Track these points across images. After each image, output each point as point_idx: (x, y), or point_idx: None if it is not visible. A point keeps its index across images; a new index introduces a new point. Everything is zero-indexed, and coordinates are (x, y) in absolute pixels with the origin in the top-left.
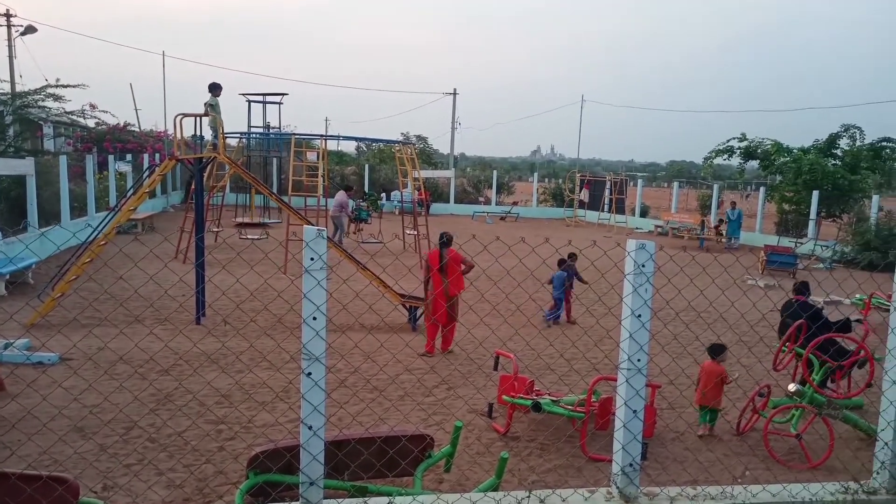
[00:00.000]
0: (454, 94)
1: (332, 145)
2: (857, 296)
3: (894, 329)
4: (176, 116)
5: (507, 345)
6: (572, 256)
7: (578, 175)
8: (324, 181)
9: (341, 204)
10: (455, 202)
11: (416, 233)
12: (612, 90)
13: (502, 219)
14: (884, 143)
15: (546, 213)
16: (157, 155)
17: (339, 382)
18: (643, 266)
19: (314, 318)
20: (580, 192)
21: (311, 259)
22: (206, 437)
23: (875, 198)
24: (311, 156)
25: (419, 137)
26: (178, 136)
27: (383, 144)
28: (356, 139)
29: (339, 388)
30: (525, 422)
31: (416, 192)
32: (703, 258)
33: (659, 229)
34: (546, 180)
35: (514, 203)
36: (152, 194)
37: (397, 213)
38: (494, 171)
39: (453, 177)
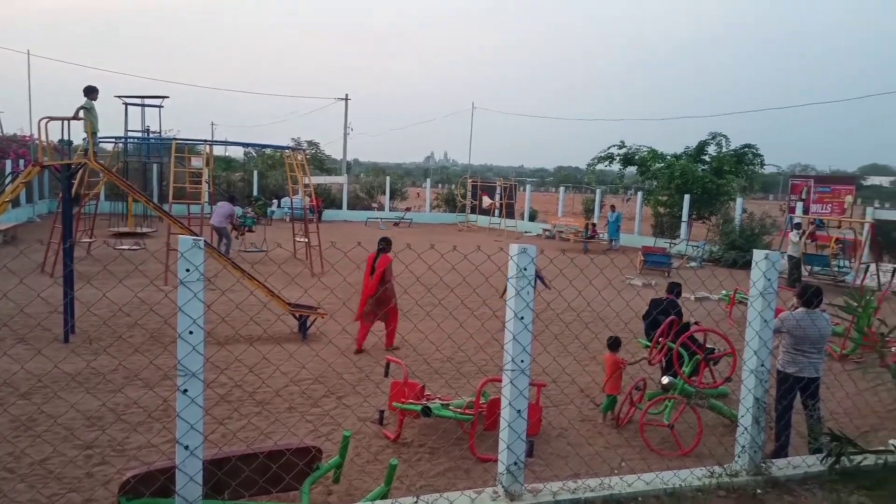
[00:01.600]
0: (346, 99)
1: (219, 151)
2: (723, 291)
3: (752, 322)
4: (41, 120)
5: (399, 350)
6: None
7: (470, 181)
8: (208, 188)
9: (227, 214)
10: (348, 208)
11: (306, 240)
12: (503, 98)
13: (396, 224)
14: (746, 149)
15: (439, 219)
16: (22, 161)
17: (219, 398)
18: (525, 269)
19: (190, 333)
20: (482, 200)
21: (187, 270)
22: (70, 463)
23: (739, 200)
24: (195, 162)
25: (311, 143)
26: (44, 140)
27: (273, 150)
28: (244, 144)
29: (219, 405)
30: (416, 427)
31: (308, 199)
32: (583, 260)
33: (547, 233)
34: (440, 186)
35: (408, 209)
36: (16, 203)
37: (288, 220)
38: (388, 177)
39: (346, 183)
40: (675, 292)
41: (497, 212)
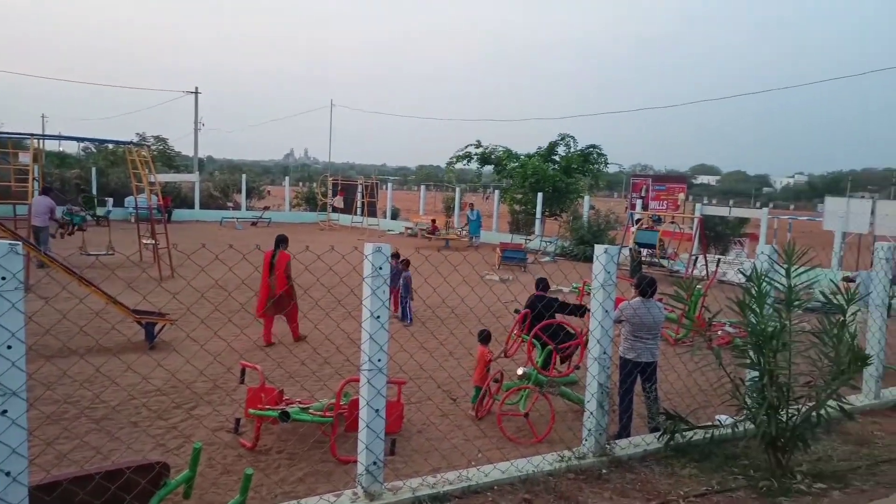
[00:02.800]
0: (196, 92)
1: (52, 146)
2: (574, 284)
3: (594, 313)
4: None
5: (253, 355)
6: (406, 262)
7: (331, 179)
8: (38, 186)
9: (48, 209)
10: (201, 208)
11: (153, 242)
12: (364, 96)
13: (253, 224)
14: (591, 150)
15: (300, 218)
16: None
17: (45, 417)
18: (380, 269)
19: (9, 347)
20: (334, 198)
21: (3, 278)
22: None
23: (587, 198)
24: (22, 157)
25: (157, 138)
26: None
27: (113, 145)
28: (78, 139)
29: (48, 424)
30: (274, 434)
31: (155, 198)
32: (438, 257)
33: (409, 231)
34: (300, 184)
35: (266, 208)
36: None
37: (132, 220)
38: (244, 175)
39: (198, 181)
40: (544, 287)
41: (359, 210)
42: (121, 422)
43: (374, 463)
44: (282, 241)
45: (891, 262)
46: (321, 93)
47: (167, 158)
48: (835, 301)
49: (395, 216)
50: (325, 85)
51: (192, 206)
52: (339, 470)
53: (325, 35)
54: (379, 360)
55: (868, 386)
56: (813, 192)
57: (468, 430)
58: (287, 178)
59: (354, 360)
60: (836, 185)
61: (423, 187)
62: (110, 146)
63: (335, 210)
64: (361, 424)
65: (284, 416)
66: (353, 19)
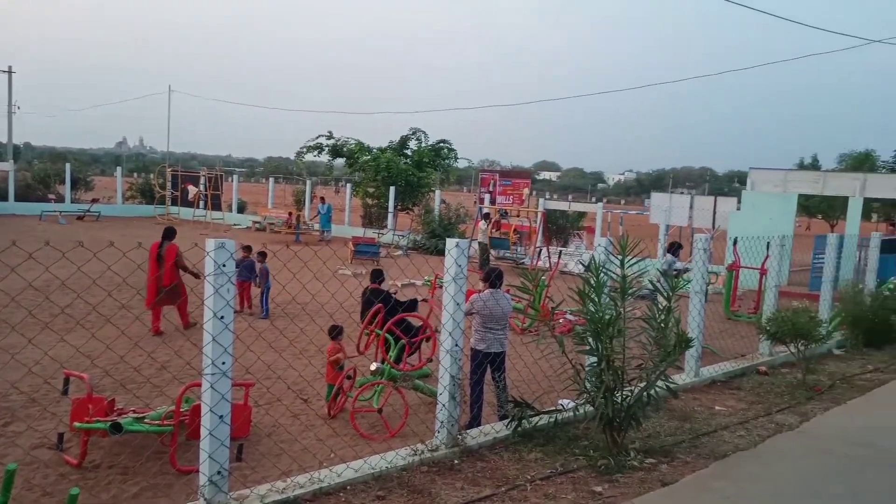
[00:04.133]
0: (9, 72)
1: None
2: (426, 277)
3: (446, 306)
4: None
5: (78, 363)
6: (262, 254)
7: (170, 170)
8: None
9: None
10: (16, 200)
11: None
12: (207, 83)
13: (80, 218)
14: (442, 144)
15: (134, 211)
16: None
17: None
18: (223, 266)
19: None
20: (188, 191)
21: None
22: None
23: (437, 192)
24: None
25: None
26: None
27: None
28: None
29: None
30: (105, 447)
31: None
32: (287, 252)
33: (257, 225)
34: (135, 175)
35: (95, 200)
36: None
37: None
38: (68, 165)
39: (12, 170)
40: (378, 280)
41: (202, 203)
42: None
43: (219, 472)
44: (169, 234)
45: (708, 252)
46: (159, 77)
47: None
48: (661, 289)
49: (241, 210)
50: (162, 69)
51: (5, 199)
52: (179, 482)
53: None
54: (223, 364)
55: (689, 365)
56: (640, 187)
57: (320, 430)
58: (119, 168)
59: (196, 363)
60: (660, 181)
61: (271, 179)
62: None
63: (190, 202)
64: (204, 432)
65: (116, 427)
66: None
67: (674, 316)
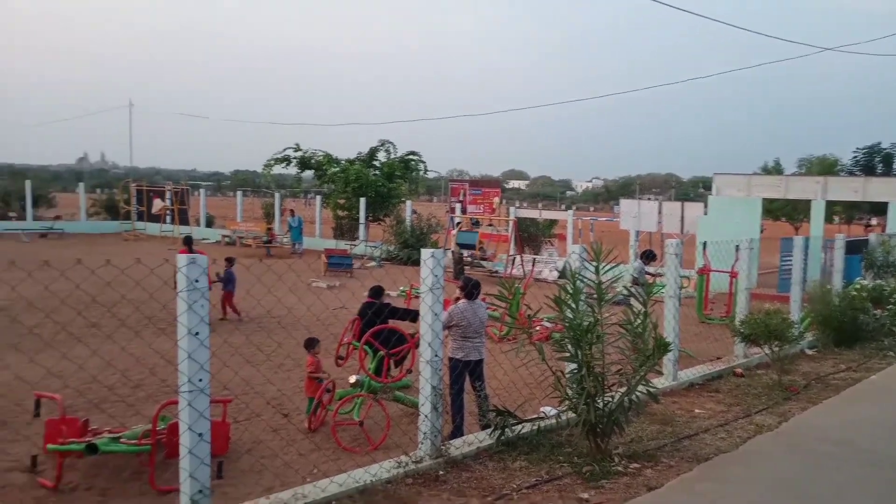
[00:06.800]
0: None
1: None
2: (401, 288)
3: (424, 317)
4: None
5: (50, 384)
6: (230, 261)
7: (134, 185)
8: None
9: None
10: None
11: None
12: (170, 97)
13: (43, 236)
14: (411, 157)
15: (99, 228)
16: None
17: None
18: (196, 281)
19: None
20: (153, 204)
21: None
22: None
23: (408, 203)
24: None
25: None
26: None
27: None
28: None
29: None
30: (81, 469)
31: None
32: (261, 266)
33: (227, 239)
34: (98, 191)
35: (57, 217)
36: None
37: None
38: (28, 182)
39: None
40: (375, 293)
41: (169, 218)
42: None
43: (200, 491)
44: (187, 241)
45: (680, 257)
46: (119, 92)
47: None
48: (637, 295)
49: (210, 224)
50: (123, 83)
51: None
52: (159, 502)
53: (124, 26)
54: (200, 380)
55: (668, 369)
56: (609, 194)
57: (301, 444)
58: (82, 184)
59: (172, 381)
60: (628, 188)
61: (239, 193)
62: None
63: (156, 217)
64: (183, 451)
65: (92, 449)
66: (150, 10)
67: (650, 321)
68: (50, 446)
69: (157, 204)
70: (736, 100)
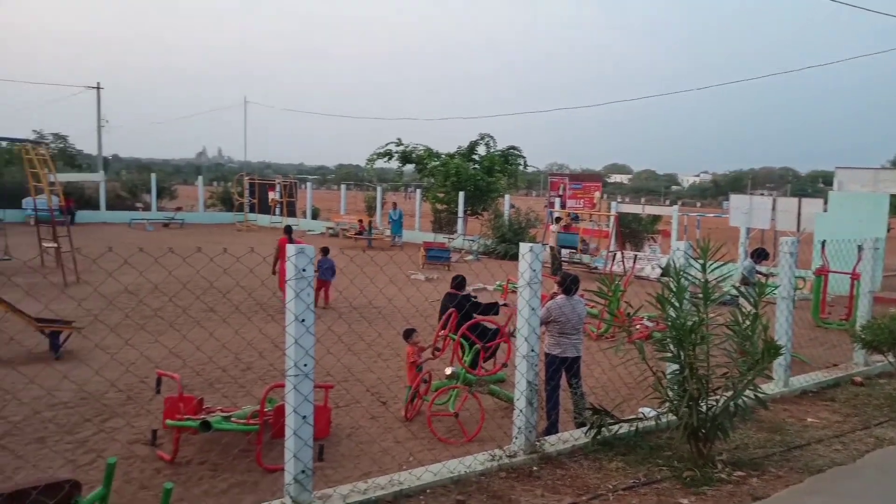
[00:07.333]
0: (98, 88)
1: None
2: (497, 282)
3: (521, 311)
4: None
5: (170, 364)
6: (325, 250)
7: (247, 178)
8: None
9: None
10: (107, 209)
11: (55, 245)
12: (278, 93)
13: (165, 226)
14: (511, 151)
15: (215, 219)
16: None
17: None
18: (304, 270)
19: None
20: (272, 195)
21: None
22: None
23: (507, 197)
24: None
25: (57, 136)
26: None
27: (8, 143)
28: None
29: None
30: (196, 444)
31: (57, 199)
32: (363, 257)
33: (330, 231)
34: (214, 184)
35: (178, 208)
36: None
37: (31, 222)
38: (153, 175)
39: (103, 181)
40: (460, 286)
41: (278, 210)
42: (25, 438)
43: (303, 471)
44: (288, 230)
45: (795, 256)
46: (236, 88)
47: (68, 157)
48: (747, 295)
49: (315, 216)
50: (238, 81)
51: (97, 208)
52: (265, 479)
53: (237, 28)
54: (305, 365)
55: (778, 375)
56: (717, 189)
57: (398, 432)
58: (200, 177)
59: (279, 365)
60: (738, 182)
61: (343, 186)
62: (3, 144)
63: (269, 206)
64: (288, 432)
65: (205, 426)
66: (265, 10)
67: (761, 322)
68: (169, 422)
69: (272, 196)
70: (863, 88)
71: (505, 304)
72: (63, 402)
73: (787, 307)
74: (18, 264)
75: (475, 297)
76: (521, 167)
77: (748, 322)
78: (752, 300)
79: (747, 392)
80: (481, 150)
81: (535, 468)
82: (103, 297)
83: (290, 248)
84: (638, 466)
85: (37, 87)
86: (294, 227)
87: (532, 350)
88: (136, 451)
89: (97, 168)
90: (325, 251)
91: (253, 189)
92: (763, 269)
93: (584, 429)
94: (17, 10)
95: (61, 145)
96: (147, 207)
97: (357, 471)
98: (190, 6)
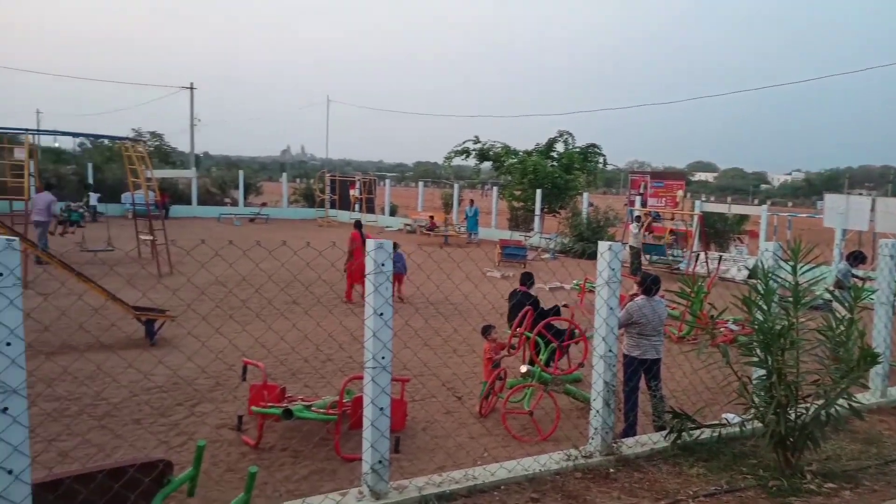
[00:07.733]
0: (191, 88)
1: (47, 141)
2: (575, 281)
3: (599, 310)
4: None
5: (255, 353)
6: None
7: (328, 175)
8: (33, 182)
9: (47, 205)
10: (198, 204)
11: (152, 238)
12: (359, 92)
13: (251, 220)
14: (590, 148)
15: (298, 214)
16: None
17: (45, 415)
18: (383, 265)
19: (8, 344)
20: (353, 192)
21: (0, 275)
22: None
23: (585, 195)
24: (18, 153)
25: (154, 134)
26: None
27: (109, 141)
28: (73, 134)
29: (50, 422)
30: (278, 431)
31: (153, 194)
32: (442, 253)
33: (408, 227)
34: (297, 180)
35: (264, 204)
36: None
37: (130, 216)
38: (241, 172)
39: (195, 177)
40: (528, 283)
41: (358, 206)
42: (123, 419)
43: (380, 461)
44: (358, 225)
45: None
46: (318, 88)
47: (163, 154)
48: (841, 299)
49: (393, 213)
50: (321, 80)
51: (189, 203)
52: (343, 468)
53: (322, 28)
54: (383, 358)
55: (875, 384)
56: (811, 189)
57: (473, 427)
58: (284, 174)
59: (357, 357)
60: (834, 182)
61: (421, 184)
62: (106, 142)
63: (350, 202)
64: (366, 422)
65: (287, 413)
66: (346, 12)
67: (857, 328)
68: (254, 408)
69: (353, 193)
70: None
71: (566, 305)
72: (157, 385)
73: (885, 313)
74: (120, 255)
75: (535, 296)
76: (600, 165)
77: (842, 328)
78: (847, 304)
79: (840, 401)
80: (560, 147)
81: (611, 470)
82: (195, 288)
83: (370, 244)
84: (720, 473)
85: (136, 89)
86: (373, 224)
87: (609, 350)
88: (223, 434)
89: (189, 165)
90: (394, 246)
91: (334, 186)
92: (859, 272)
93: (664, 432)
94: (119, 17)
95: (157, 143)
96: (235, 203)
97: (432, 464)
98: (285, 6)
